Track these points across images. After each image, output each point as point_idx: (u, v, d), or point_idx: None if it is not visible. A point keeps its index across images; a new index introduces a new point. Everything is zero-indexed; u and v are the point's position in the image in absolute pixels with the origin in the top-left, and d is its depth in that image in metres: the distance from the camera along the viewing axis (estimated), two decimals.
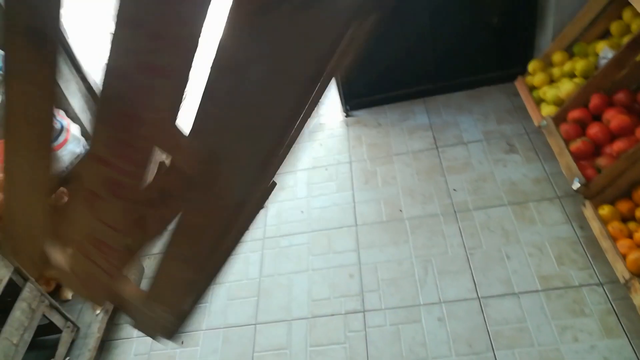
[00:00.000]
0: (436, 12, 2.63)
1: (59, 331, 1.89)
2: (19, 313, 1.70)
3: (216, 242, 0.80)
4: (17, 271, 1.73)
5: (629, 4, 2.12)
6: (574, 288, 1.90)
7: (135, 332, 2.18)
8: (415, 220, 2.33)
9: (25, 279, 1.77)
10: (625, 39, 2.23)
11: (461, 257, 2.13)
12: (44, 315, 1.82)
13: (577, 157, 2.14)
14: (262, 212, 2.54)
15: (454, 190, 2.42)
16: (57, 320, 1.88)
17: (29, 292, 1.76)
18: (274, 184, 1.19)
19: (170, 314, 0.82)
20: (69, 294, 2.10)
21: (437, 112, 2.89)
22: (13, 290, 1.72)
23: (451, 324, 1.92)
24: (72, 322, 1.95)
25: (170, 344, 1.83)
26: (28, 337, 1.71)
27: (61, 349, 1.87)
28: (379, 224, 2.37)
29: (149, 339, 2.12)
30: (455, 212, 2.32)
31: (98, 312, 2.02)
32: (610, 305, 1.82)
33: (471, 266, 2.08)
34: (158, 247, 0.77)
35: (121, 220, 0.67)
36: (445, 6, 2.62)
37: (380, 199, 2.48)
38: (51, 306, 1.86)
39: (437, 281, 2.07)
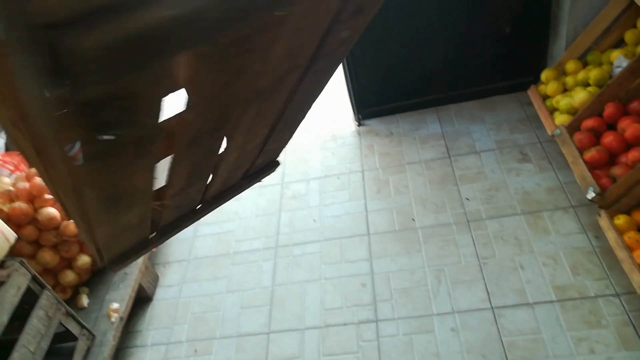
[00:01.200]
0: (448, 21, 2.64)
1: (75, 339, 1.91)
2: (36, 321, 1.72)
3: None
4: (34, 279, 1.76)
5: None
6: (590, 299, 1.88)
7: (150, 340, 2.20)
8: (427, 230, 2.32)
9: (43, 287, 1.80)
10: None
11: (474, 266, 2.12)
12: (60, 323, 1.84)
13: (592, 166, 2.12)
14: (273, 216, 2.56)
15: (467, 199, 2.41)
16: (73, 328, 1.90)
17: (46, 299, 1.79)
18: (277, 163, 1.21)
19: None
20: (84, 302, 2.13)
21: (450, 121, 2.89)
22: (30, 298, 1.74)
23: (464, 334, 1.91)
24: (88, 330, 1.97)
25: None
26: (45, 345, 1.73)
27: (77, 357, 1.89)
28: (391, 233, 2.37)
29: (163, 347, 2.14)
30: (468, 221, 2.31)
31: (113, 320, 2.04)
32: (627, 317, 1.80)
33: (484, 276, 2.07)
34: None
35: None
36: (458, 15, 2.62)
37: (392, 208, 2.48)
38: (67, 314, 1.89)
39: (450, 291, 2.06)
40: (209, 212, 1.10)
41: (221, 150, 0.82)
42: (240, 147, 0.87)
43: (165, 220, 1.01)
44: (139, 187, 0.69)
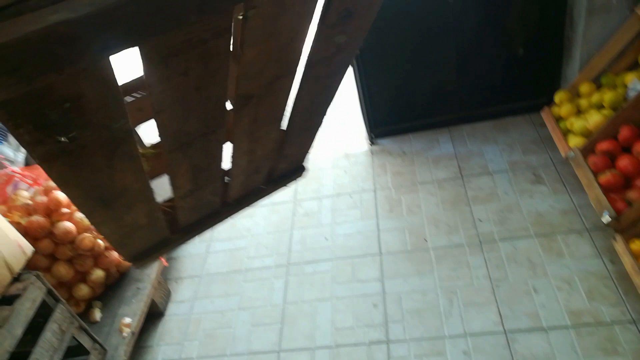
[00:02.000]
0: (462, 42, 2.66)
1: (87, 353, 1.92)
2: (49, 334, 1.73)
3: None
4: (49, 292, 1.77)
5: None
6: (606, 325, 1.85)
7: (161, 356, 2.21)
8: (440, 251, 2.32)
9: (57, 300, 1.81)
10: None
11: (487, 289, 2.11)
12: (73, 337, 1.85)
13: (607, 189, 2.11)
14: (286, 234, 2.56)
15: (480, 220, 2.40)
16: (85, 342, 1.91)
17: (60, 313, 1.80)
18: (303, 168, 1.22)
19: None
20: (97, 316, 2.14)
21: (462, 141, 2.90)
22: (45, 312, 1.76)
23: (477, 357, 1.89)
24: (100, 344, 1.98)
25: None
26: (58, 358, 1.74)
27: None
28: (403, 253, 2.36)
29: None
30: (480, 242, 2.30)
31: (125, 334, 2.05)
32: None
33: (497, 298, 2.06)
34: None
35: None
36: (471, 36, 2.64)
37: (404, 228, 2.48)
38: (80, 328, 1.90)
39: (462, 313, 2.04)
40: (234, 213, 1.12)
41: (228, 155, 0.83)
42: (249, 152, 0.88)
43: (185, 221, 1.03)
44: (128, 187, 0.70)
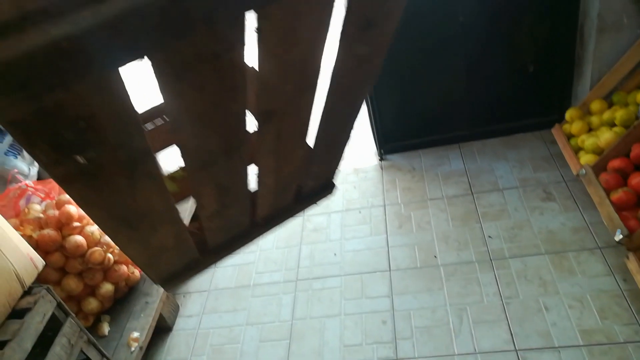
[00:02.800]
0: (472, 58, 2.67)
1: None
2: (58, 348, 1.74)
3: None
4: (59, 306, 1.78)
5: None
6: (619, 345, 1.82)
7: None
8: (450, 267, 2.30)
9: (67, 314, 1.82)
10: None
11: (497, 306, 2.08)
12: (81, 351, 1.85)
13: (619, 207, 2.09)
14: (294, 249, 2.56)
15: (490, 237, 2.39)
16: (93, 356, 1.91)
17: (69, 327, 1.81)
18: (333, 185, 1.20)
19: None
20: (105, 330, 2.14)
21: (472, 158, 2.89)
22: (54, 325, 1.76)
23: None
24: (108, 359, 1.98)
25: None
26: None
27: None
28: (413, 269, 2.35)
29: None
30: (491, 259, 2.28)
31: (133, 349, 2.05)
32: None
33: (508, 316, 2.03)
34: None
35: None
36: (481, 53, 2.65)
37: (414, 244, 2.47)
38: (89, 342, 1.90)
39: (473, 331, 2.02)
40: (264, 233, 1.11)
41: (254, 174, 0.83)
42: (275, 170, 0.87)
43: (214, 242, 1.01)
44: (152, 208, 0.69)
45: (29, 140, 0.41)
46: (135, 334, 2.11)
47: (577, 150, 2.53)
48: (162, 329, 2.36)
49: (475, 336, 2.00)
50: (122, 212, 0.64)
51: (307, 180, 1.05)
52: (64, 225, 2.08)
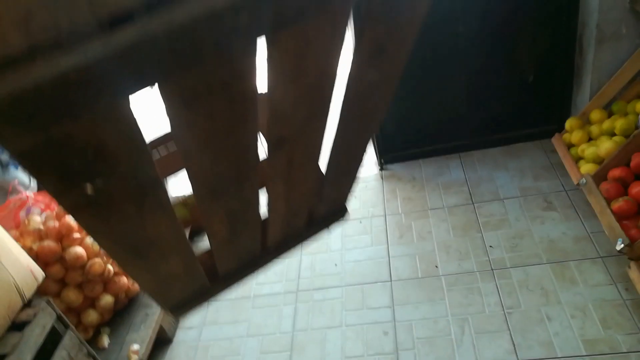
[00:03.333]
0: (472, 68, 2.68)
1: None
2: None
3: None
4: (59, 318, 1.77)
5: None
6: (622, 354, 1.81)
7: None
8: (451, 277, 2.29)
9: (67, 327, 1.81)
10: None
11: (499, 316, 2.07)
12: None
13: (620, 216, 2.09)
14: (295, 259, 2.55)
15: (491, 246, 2.38)
16: None
17: (69, 339, 1.79)
18: (345, 210, 1.18)
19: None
20: (105, 342, 2.13)
21: (473, 167, 2.89)
22: (54, 338, 1.75)
23: None
24: None
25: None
26: None
27: None
28: (414, 280, 2.34)
29: None
30: (492, 269, 2.27)
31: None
32: None
33: (509, 326, 2.02)
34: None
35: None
36: (482, 63, 2.67)
37: (415, 254, 2.46)
38: (89, 354, 1.89)
39: (475, 341, 2.01)
40: (274, 259, 1.09)
41: (265, 200, 0.81)
42: (286, 196, 0.85)
43: (224, 269, 1.00)
44: (162, 237, 0.68)
45: (38, 169, 0.40)
46: (135, 346, 2.09)
47: (577, 159, 2.53)
48: (162, 341, 2.34)
49: (477, 347, 1.98)
50: (131, 240, 0.63)
51: (318, 205, 1.03)
52: (64, 236, 2.08)
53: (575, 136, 2.56)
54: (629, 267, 1.96)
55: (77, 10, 0.31)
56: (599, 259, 2.17)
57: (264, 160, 0.70)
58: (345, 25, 0.52)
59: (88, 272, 2.08)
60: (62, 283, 2.09)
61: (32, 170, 0.40)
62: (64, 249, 2.05)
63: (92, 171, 0.43)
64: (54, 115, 0.34)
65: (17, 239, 1.97)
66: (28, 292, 1.71)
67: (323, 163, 0.87)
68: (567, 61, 2.65)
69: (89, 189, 0.44)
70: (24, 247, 1.87)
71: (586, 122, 2.60)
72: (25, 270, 1.73)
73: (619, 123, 2.37)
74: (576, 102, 2.76)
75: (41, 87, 0.31)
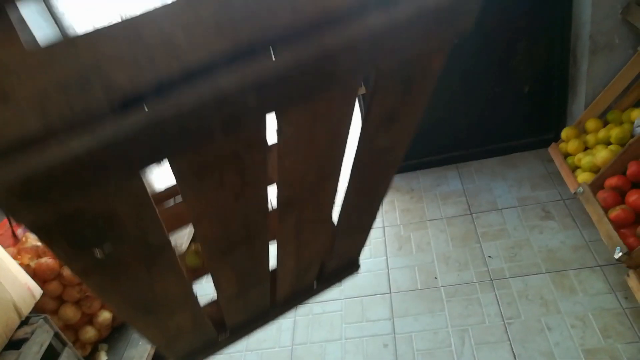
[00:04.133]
0: (468, 80, 2.70)
1: None
2: None
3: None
4: (56, 336, 1.76)
5: None
6: None
7: None
8: (451, 288, 2.29)
9: (64, 344, 1.80)
10: None
11: (499, 327, 2.06)
12: None
13: (617, 225, 2.09)
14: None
15: (490, 257, 2.38)
16: None
17: (66, 357, 1.78)
18: (358, 265, 1.17)
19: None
20: (103, 359, 2.11)
21: (471, 178, 2.90)
22: (51, 355, 1.74)
23: None
24: None
25: None
26: None
27: None
28: (413, 291, 2.33)
29: None
30: (491, 280, 2.27)
31: None
32: None
33: (510, 337, 2.01)
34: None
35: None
36: (477, 74, 2.68)
37: (414, 266, 2.46)
38: None
39: (475, 352, 2.00)
40: (284, 313, 1.08)
41: (273, 255, 0.81)
42: (295, 254, 0.85)
43: (232, 323, 1.00)
44: (170, 294, 0.68)
45: (49, 239, 0.41)
46: None
47: (574, 168, 2.54)
48: (160, 357, 2.32)
49: (478, 358, 1.97)
50: (139, 299, 0.63)
51: (330, 260, 1.02)
52: None
53: (571, 145, 2.57)
54: (628, 275, 1.96)
55: (91, 94, 0.33)
56: (598, 267, 2.17)
57: (274, 219, 0.70)
58: (355, 96, 0.52)
59: (86, 289, 2.07)
60: (60, 300, 2.08)
61: (43, 239, 0.40)
62: (61, 265, 2.05)
63: (102, 238, 0.44)
64: (66, 192, 0.35)
65: (14, 257, 1.96)
66: (26, 310, 1.71)
67: (335, 219, 0.86)
68: (562, 72, 2.67)
69: (98, 253, 0.44)
70: (21, 265, 1.86)
71: (582, 131, 2.62)
72: (23, 288, 1.72)
73: (614, 132, 2.38)
74: (572, 111, 2.78)
75: (54, 168, 0.32)
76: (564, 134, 2.64)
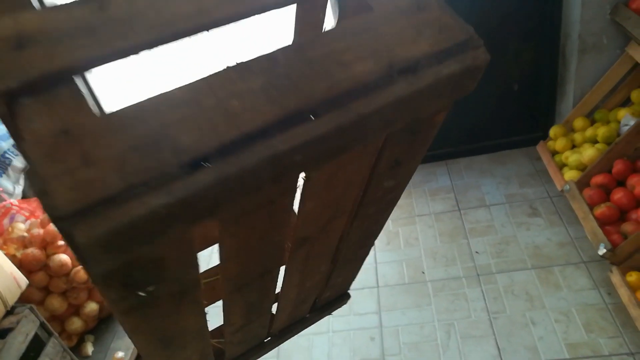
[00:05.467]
0: None
1: None
2: None
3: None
4: (42, 326, 1.76)
5: None
6: (604, 357, 1.83)
7: None
8: (438, 283, 2.30)
9: (50, 334, 1.79)
10: None
11: (484, 321, 2.09)
12: None
13: (602, 222, 2.12)
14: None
15: (477, 252, 2.40)
16: None
17: (52, 347, 1.78)
18: (348, 295, 1.23)
19: None
20: (89, 350, 2.11)
21: (459, 174, 2.92)
22: (37, 346, 1.74)
23: None
24: None
25: None
26: None
27: None
28: (401, 286, 2.35)
29: None
30: (478, 275, 2.29)
31: None
32: None
33: (495, 331, 2.04)
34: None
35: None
36: None
37: (402, 260, 2.47)
38: None
39: (460, 346, 2.02)
40: (278, 345, 1.13)
41: (278, 288, 0.85)
42: (298, 285, 0.90)
43: (231, 355, 1.03)
44: (189, 329, 0.72)
45: (106, 282, 0.45)
46: (120, 354, 2.07)
47: (561, 166, 2.57)
48: None
49: (463, 351, 1.99)
50: (162, 334, 0.68)
51: (325, 292, 1.07)
52: (48, 244, 2.06)
53: (559, 144, 2.60)
54: (611, 271, 1.99)
55: (162, 156, 0.38)
56: (582, 264, 2.20)
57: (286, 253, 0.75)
58: (376, 149, 0.59)
59: (72, 280, 2.06)
60: (46, 291, 2.07)
61: (99, 282, 0.44)
62: (48, 256, 2.04)
63: (149, 279, 0.48)
64: (138, 242, 0.39)
65: (0, 247, 1.95)
66: (11, 300, 1.70)
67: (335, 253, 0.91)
68: (551, 71, 2.70)
69: (141, 293, 0.49)
70: (7, 255, 1.85)
71: (570, 129, 2.65)
72: (9, 278, 1.71)
73: (601, 131, 2.41)
74: (560, 110, 2.81)
75: (136, 221, 0.36)
76: (552, 132, 2.67)
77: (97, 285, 0.46)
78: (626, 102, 2.49)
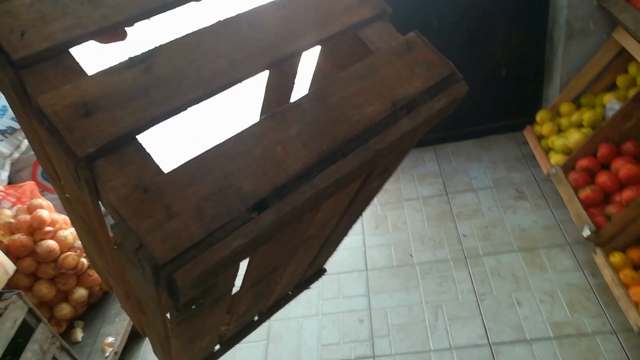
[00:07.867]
0: None
1: None
2: (30, 355, 1.70)
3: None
4: (31, 312, 1.75)
5: (635, 59, 2.20)
6: (588, 336, 1.87)
7: None
8: (425, 266, 2.33)
9: (39, 320, 1.79)
10: (632, 92, 2.29)
11: (472, 302, 2.12)
12: (54, 357, 1.82)
13: (587, 205, 2.15)
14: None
15: (464, 235, 2.43)
16: None
17: (41, 333, 1.77)
18: (324, 270, 1.30)
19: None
20: (79, 336, 2.11)
21: (447, 159, 2.94)
22: (25, 332, 1.73)
23: None
24: None
25: None
26: None
27: None
28: (389, 268, 2.37)
29: None
30: (465, 257, 2.32)
31: (107, 354, 2.02)
32: (625, 354, 1.79)
33: (482, 312, 2.07)
34: None
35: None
36: (455, 57, 2.70)
37: (390, 244, 2.50)
38: (62, 348, 1.87)
39: (448, 327, 2.05)
40: (265, 320, 1.22)
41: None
42: (292, 272, 0.98)
43: (229, 335, 1.10)
44: (213, 325, 0.80)
45: (180, 304, 0.49)
46: (110, 339, 2.08)
47: (547, 150, 2.60)
48: (137, 334, 2.33)
49: (451, 332, 2.03)
50: (193, 334, 0.74)
51: (309, 270, 1.16)
52: (35, 229, 2.05)
53: (545, 128, 2.63)
54: (595, 253, 2.03)
55: (231, 203, 0.44)
56: (567, 246, 2.23)
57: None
58: (381, 172, 0.68)
59: (61, 266, 2.05)
60: (34, 277, 2.06)
61: (179, 309, 0.49)
62: (35, 242, 2.02)
63: (203, 295, 0.54)
64: (217, 275, 0.44)
65: None
66: None
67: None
68: (538, 56, 2.71)
69: (195, 307, 0.55)
70: None
71: (556, 114, 2.67)
72: None
73: (587, 115, 2.44)
74: (547, 95, 2.83)
75: (221, 262, 0.42)
76: (539, 117, 2.70)
77: (173, 309, 0.53)
78: (612, 87, 2.52)
